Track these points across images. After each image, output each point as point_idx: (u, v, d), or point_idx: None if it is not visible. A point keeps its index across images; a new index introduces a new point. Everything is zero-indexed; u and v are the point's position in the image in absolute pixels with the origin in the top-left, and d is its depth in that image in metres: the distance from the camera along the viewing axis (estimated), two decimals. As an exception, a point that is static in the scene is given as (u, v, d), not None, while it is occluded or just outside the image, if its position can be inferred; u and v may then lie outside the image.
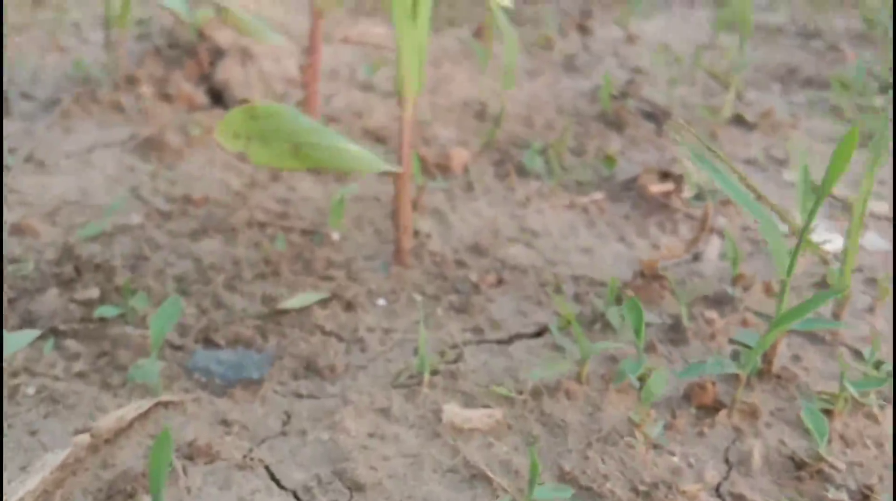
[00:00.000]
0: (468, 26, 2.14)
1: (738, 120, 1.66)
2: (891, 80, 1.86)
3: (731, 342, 0.93)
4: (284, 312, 1.01)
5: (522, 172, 1.44)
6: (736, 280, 1.06)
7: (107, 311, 0.96)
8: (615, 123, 1.64)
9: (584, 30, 2.17)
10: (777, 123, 1.64)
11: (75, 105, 1.48)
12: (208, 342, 0.95)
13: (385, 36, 2.04)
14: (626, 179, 1.38)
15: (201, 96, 1.53)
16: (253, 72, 1.55)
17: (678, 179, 1.38)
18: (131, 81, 1.54)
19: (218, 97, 1.55)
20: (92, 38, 1.87)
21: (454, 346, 0.96)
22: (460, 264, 1.14)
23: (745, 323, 0.99)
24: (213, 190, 1.30)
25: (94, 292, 1.00)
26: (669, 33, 2.22)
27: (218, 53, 1.61)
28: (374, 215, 1.27)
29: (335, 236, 1.20)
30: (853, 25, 2.32)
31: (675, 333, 0.97)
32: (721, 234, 1.22)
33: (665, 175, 1.39)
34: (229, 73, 1.54)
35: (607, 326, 0.99)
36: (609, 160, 1.42)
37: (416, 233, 1.20)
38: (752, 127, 1.63)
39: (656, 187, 1.30)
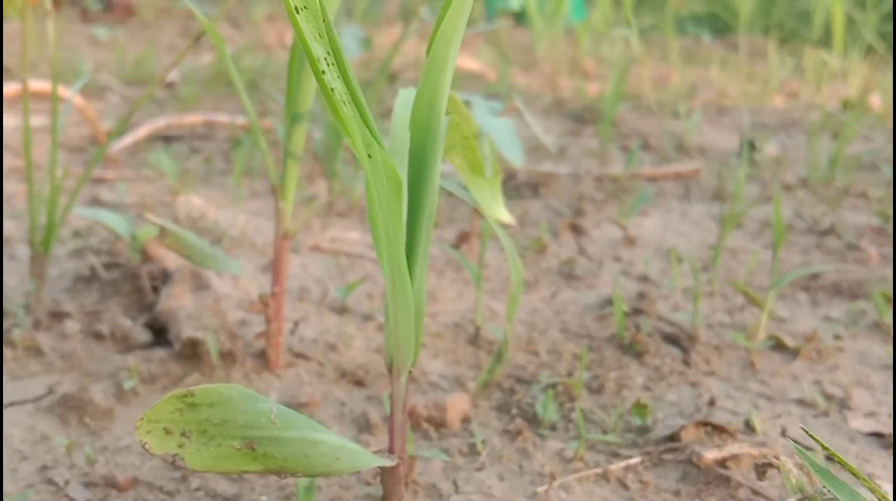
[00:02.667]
0: (451, 228, 1.92)
1: (776, 344, 1.42)
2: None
3: None
4: None
5: (535, 421, 1.17)
6: None
7: None
8: (632, 349, 1.40)
9: (577, 230, 1.96)
10: (821, 348, 1.40)
11: (-18, 350, 1.21)
12: None
13: (360, 242, 1.81)
14: (666, 435, 1.12)
15: (140, 332, 1.27)
16: (205, 300, 1.29)
17: (732, 434, 1.12)
18: (56, 316, 1.28)
19: (161, 332, 1.28)
20: (20, 253, 1.61)
21: None
22: (471, 577, 0.86)
23: None
24: (145, 466, 1.02)
25: None
26: (669, 232, 2.02)
27: (164, 276, 1.36)
28: (352, 497, 0.99)
29: (304, 532, 0.92)
30: (867, 220, 2.13)
31: None
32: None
33: (714, 428, 1.13)
34: (176, 301, 1.28)
35: None
36: (640, 409, 1.16)
37: (410, 527, 0.92)
38: (794, 354, 1.39)
39: (711, 454, 1.04)
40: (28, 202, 1.31)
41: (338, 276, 1.61)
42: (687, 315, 1.48)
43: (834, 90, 4.25)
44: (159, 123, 2.35)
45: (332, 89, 0.71)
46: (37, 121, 2.40)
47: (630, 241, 1.90)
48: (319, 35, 0.70)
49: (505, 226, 1.27)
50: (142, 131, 2.31)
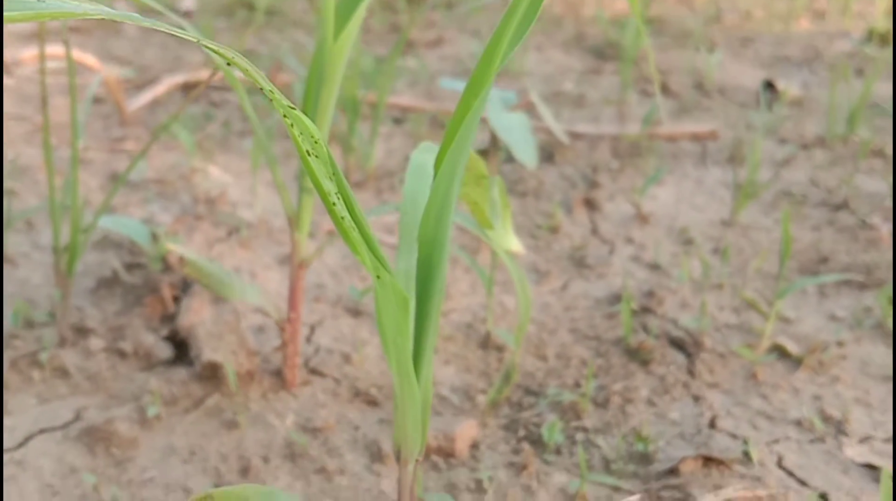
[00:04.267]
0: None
1: (780, 352, 1.45)
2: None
3: None
4: None
5: (540, 444, 1.23)
6: None
7: None
8: (638, 355, 1.44)
9: (591, 205, 1.97)
10: (823, 359, 1.43)
11: (13, 372, 1.26)
12: None
13: (376, 224, 1.84)
14: (665, 469, 1.17)
15: (161, 348, 1.32)
16: (225, 314, 1.33)
17: (729, 465, 1.17)
18: (80, 332, 1.33)
19: (182, 346, 1.33)
20: (44, 240, 1.65)
21: None
22: None
23: None
24: (168, 498, 1.08)
25: None
26: (683, 204, 2.03)
27: (185, 285, 1.40)
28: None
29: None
30: (880, 189, 2.13)
31: None
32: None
33: (712, 461, 1.18)
34: (196, 316, 1.32)
35: None
36: (641, 440, 1.21)
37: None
38: (797, 363, 1.43)
39: (707, 500, 1.09)
40: (51, 217, 1.34)
41: (353, 267, 1.65)
42: (694, 320, 1.51)
43: (862, 7, 4.16)
44: (177, 79, 2.35)
45: (342, 218, 0.74)
46: (53, 64, 2.40)
47: (643, 219, 1.91)
48: (329, 177, 0.72)
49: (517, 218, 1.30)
50: (160, 88, 2.32)
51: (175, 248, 1.24)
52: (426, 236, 0.80)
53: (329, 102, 1.15)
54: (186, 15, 3.43)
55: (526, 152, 1.51)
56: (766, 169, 2.23)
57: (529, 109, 2.06)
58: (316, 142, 0.70)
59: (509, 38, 0.73)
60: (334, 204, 0.73)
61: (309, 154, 0.70)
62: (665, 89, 2.84)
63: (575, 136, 2.32)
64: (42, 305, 1.42)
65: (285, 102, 0.66)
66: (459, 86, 1.66)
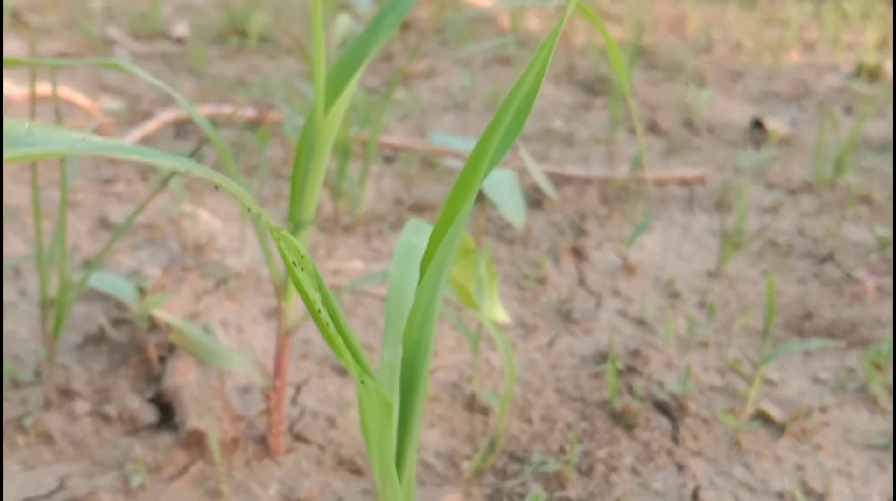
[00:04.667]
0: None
1: (764, 418, 1.46)
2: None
3: None
4: None
5: (522, 516, 1.23)
6: None
7: None
8: (623, 419, 1.44)
9: (579, 254, 1.98)
10: (806, 426, 1.44)
11: (-4, 437, 1.26)
12: None
13: (364, 272, 1.84)
14: (647, 547, 1.17)
15: (146, 411, 1.32)
16: (210, 377, 1.33)
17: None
18: (65, 394, 1.33)
19: (167, 408, 1.33)
20: (31, 288, 1.65)
21: None
22: None
23: None
24: (153, 577, 1.08)
25: None
26: (670, 253, 2.04)
27: (171, 346, 1.40)
28: None
29: None
30: (866, 239, 2.15)
31: None
32: None
33: (691, 539, 1.18)
34: (181, 378, 1.32)
35: None
36: (624, 514, 1.22)
37: None
38: (781, 429, 1.44)
39: (686, 587, 1.09)
40: (39, 272, 1.34)
41: (340, 320, 1.65)
42: (679, 382, 1.52)
43: (853, 38, 4.19)
44: (167, 116, 2.36)
45: (327, 324, 0.74)
46: (44, 100, 2.40)
47: (630, 270, 1.92)
48: (315, 288, 0.73)
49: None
50: (151, 125, 2.32)
51: (161, 315, 1.24)
52: (410, 339, 0.80)
53: (319, 173, 1.15)
54: (179, 41, 3.44)
55: (514, 211, 1.52)
56: (753, 216, 2.24)
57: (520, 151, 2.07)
58: (302, 257, 0.71)
59: (493, 150, 0.73)
60: (319, 311, 0.74)
61: (295, 265, 0.71)
62: (654, 127, 2.86)
63: (564, 179, 2.33)
64: (28, 362, 1.42)
65: (273, 224, 0.67)
66: (451, 142, 1.67)
